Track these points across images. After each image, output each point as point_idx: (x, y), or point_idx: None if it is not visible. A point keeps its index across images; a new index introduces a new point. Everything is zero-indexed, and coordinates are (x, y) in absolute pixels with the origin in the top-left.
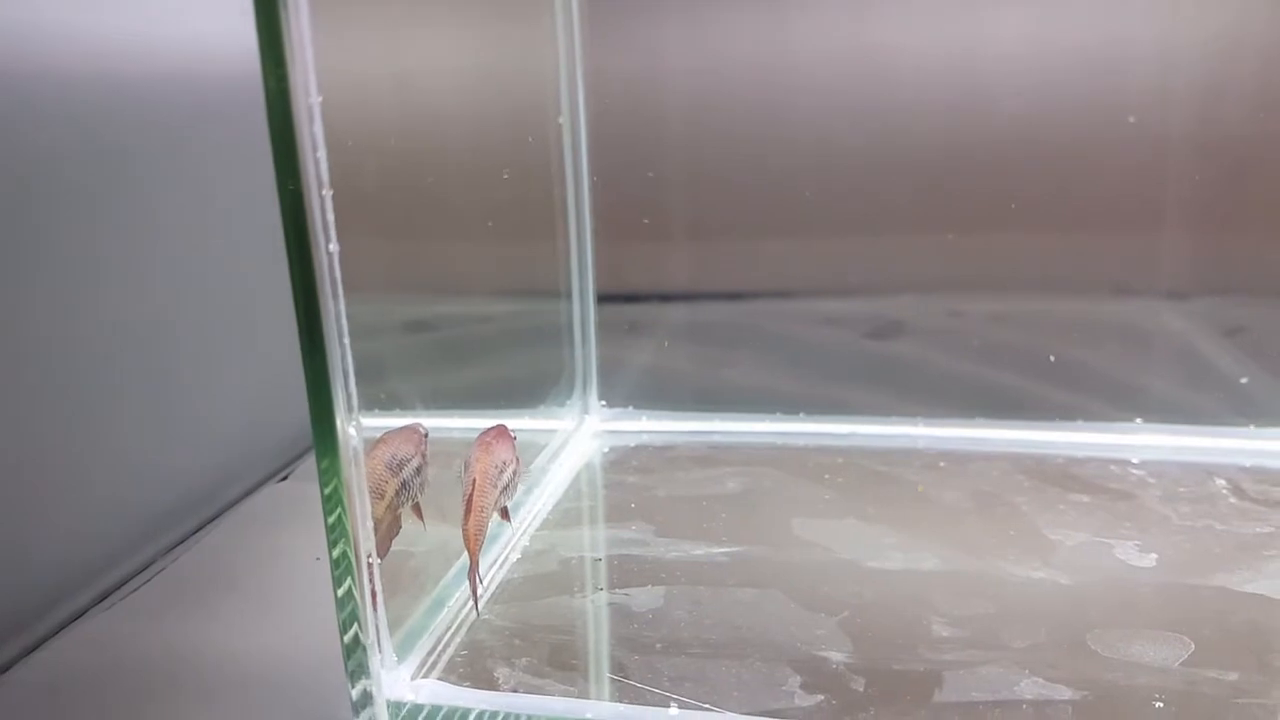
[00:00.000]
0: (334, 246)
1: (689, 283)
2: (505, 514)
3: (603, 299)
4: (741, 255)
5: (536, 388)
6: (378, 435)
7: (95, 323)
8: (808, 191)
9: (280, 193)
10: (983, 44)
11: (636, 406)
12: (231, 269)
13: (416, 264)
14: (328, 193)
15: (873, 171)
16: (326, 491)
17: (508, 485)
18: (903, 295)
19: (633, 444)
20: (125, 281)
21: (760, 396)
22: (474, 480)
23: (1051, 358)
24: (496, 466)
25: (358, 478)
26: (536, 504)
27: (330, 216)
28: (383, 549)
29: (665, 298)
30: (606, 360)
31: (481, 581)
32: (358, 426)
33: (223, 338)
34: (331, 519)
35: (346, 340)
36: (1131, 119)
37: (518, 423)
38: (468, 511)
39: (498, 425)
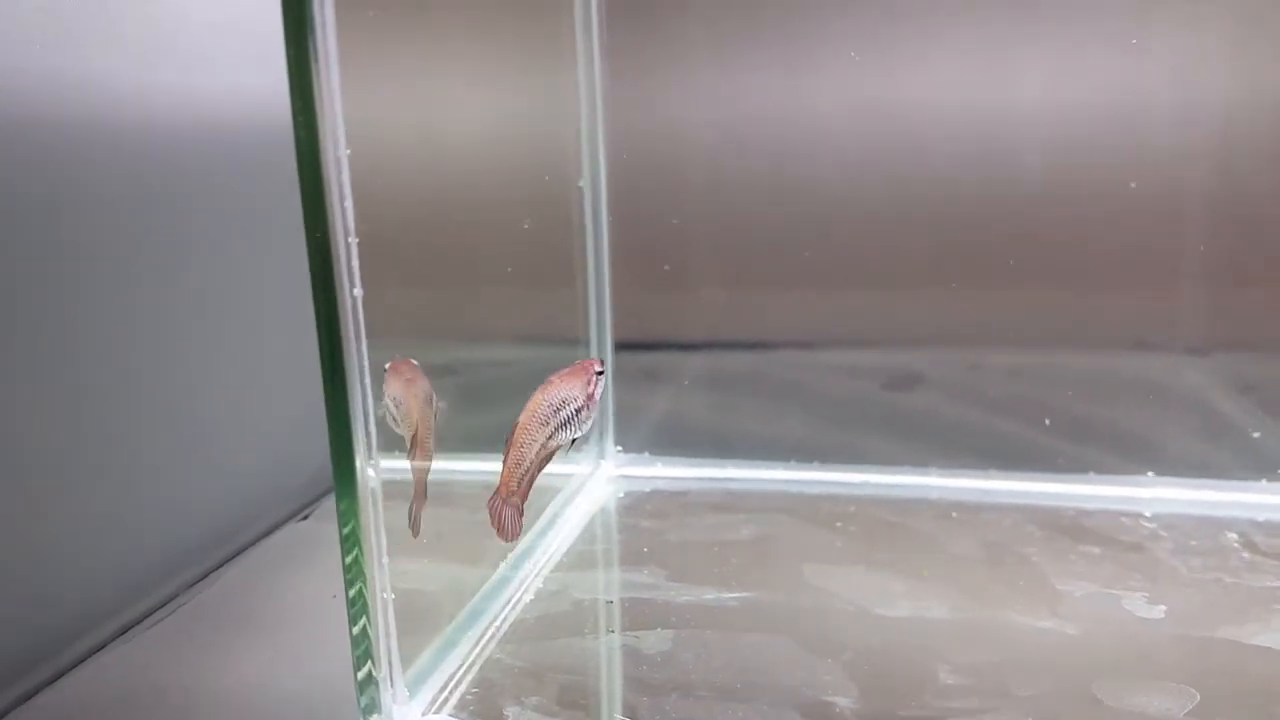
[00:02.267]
0: (358, 291)
1: (707, 332)
2: (549, 456)
3: (621, 346)
4: (761, 305)
5: None
6: (395, 480)
7: (123, 361)
8: (828, 243)
9: (308, 239)
10: (1003, 99)
11: (653, 453)
12: (257, 309)
13: (438, 310)
14: (353, 240)
15: (893, 224)
16: (345, 532)
17: (567, 422)
18: (922, 348)
19: (648, 489)
20: (156, 321)
21: (776, 445)
22: (520, 421)
23: (1047, 421)
24: (551, 405)
25: (375, 519)
26: (551, 546)
27: (355, 263)
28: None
29: (683, 346)
30: (624, 407)
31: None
32: (376, 468)
33: (247, 377)
34: (349, 559)
35: (368, 382)
36: (1133, 184)
37: None
38: (509, 446)
39: (580, 362)
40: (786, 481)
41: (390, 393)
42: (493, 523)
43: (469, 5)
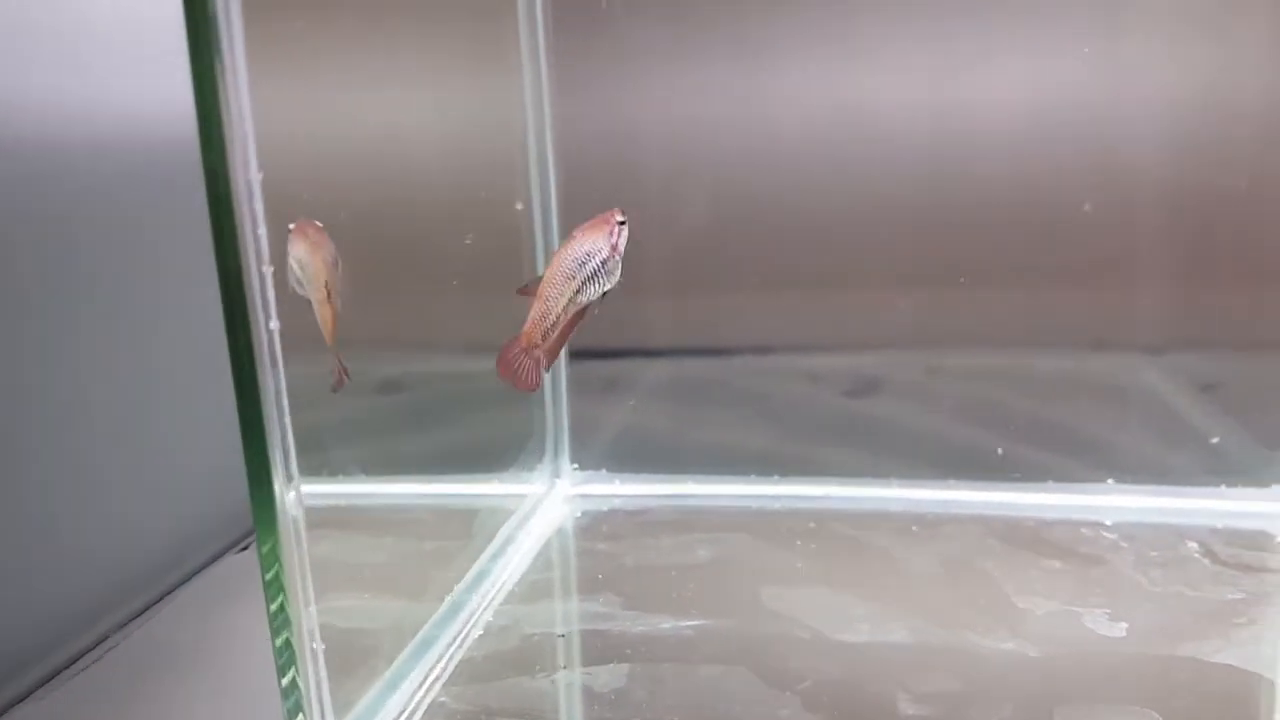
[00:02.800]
0: (274, 324)
1: (664, 339)
2: (581, 313)
3: (576, 355)
4: (719, 311)
5: (505, 451)
6: (322, 513)
7: (41, 394)
8: (785, 248)
9: (219, 269)
10: (961, 103)
11: (610, 469)
12: (185, 336)
13: (375, 324)
14: (268, 269)
15: (851, 228)
16: (268, 578)
17: (594, 275)
18: (882, 351)
19: (605, 508)
20: (76, 351)
21: (736, 457)
22: (546, 275)
23: (1007, 427)
24: (576, 259)
25: (301, 561)
26: (503, 575)
27: (271, 294)
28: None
29: (640, 353)
30: (580, 421)
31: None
32: (299, 503)
33: (177, 406)
34: (274, 606)
35: (288, 420)
36: (1091, 187)
37: (485, 488)
38: (534, 300)
39: (600, 215)
40: (746, 497)
41: (294, 254)
42: (504, 373)
43: (402, 11)
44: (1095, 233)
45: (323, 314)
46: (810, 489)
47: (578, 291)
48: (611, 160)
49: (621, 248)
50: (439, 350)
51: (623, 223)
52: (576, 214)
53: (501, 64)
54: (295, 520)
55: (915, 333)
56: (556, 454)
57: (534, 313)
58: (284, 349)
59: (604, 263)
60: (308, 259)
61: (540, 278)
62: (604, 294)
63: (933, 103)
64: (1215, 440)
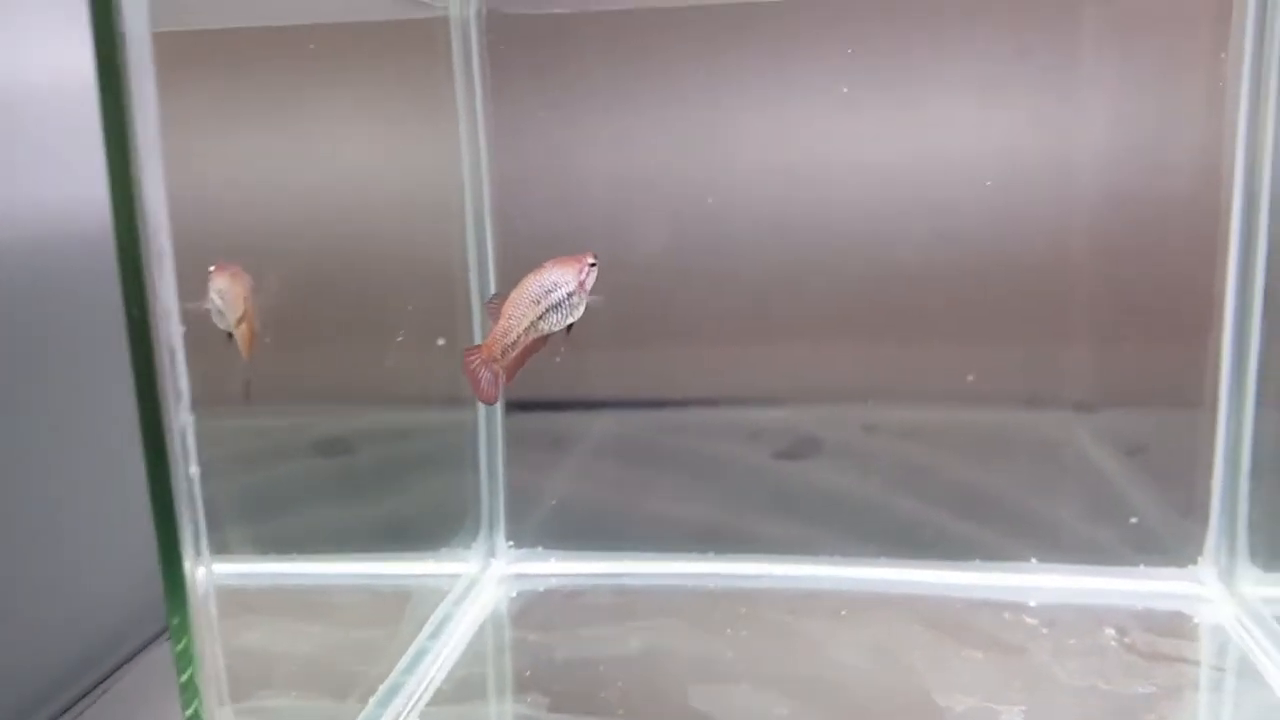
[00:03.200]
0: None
1: (602, 390)
2: (542, 341)
3: (514, 407)
4: (661, 364)
5: (440, 526)
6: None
7: None
8: (727, 300)
9: (131, 351)
10: (900, 162)
11: (546, 546)
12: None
13: (301, 386)
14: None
15: (792, 281)
16: (179, 648)
17: (558, 305)
18: (821, 406)
19: (541, 589)
20: None
21: (674, 530)
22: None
23: (930, 528)
24: (543, 286)
25: (209, 634)
26: (432, 669)
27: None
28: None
29: (581, 405)
30: (516, 486)
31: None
32: (209, 575)
33: (97, 497)
34: (184, 678)
35: (200, 505)
36: (1026, 259)
37: (420, 567)
38: (497, 316)
39: (574, 255)
40: (683, 575)
41: (215, 286)
42: (469, 378)
43: (325, 60)
44: (1030, 289)
45: (242, 333)
46: (745, 567)
47: (540, 318)
48: (551, 213)
49: (589, 286)
50: (372, 412)
51: (594, 264)
52: (514, 269)
53: (436, 116)
54: (208, 606)
55: (855, 388)
56: (492, 529)
57: (496, 329)
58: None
59: (569, 295)
60: (228, 287)
61: (506, 297)
62: (568, 328)
63: (875, 160)
64: (1133, 521)
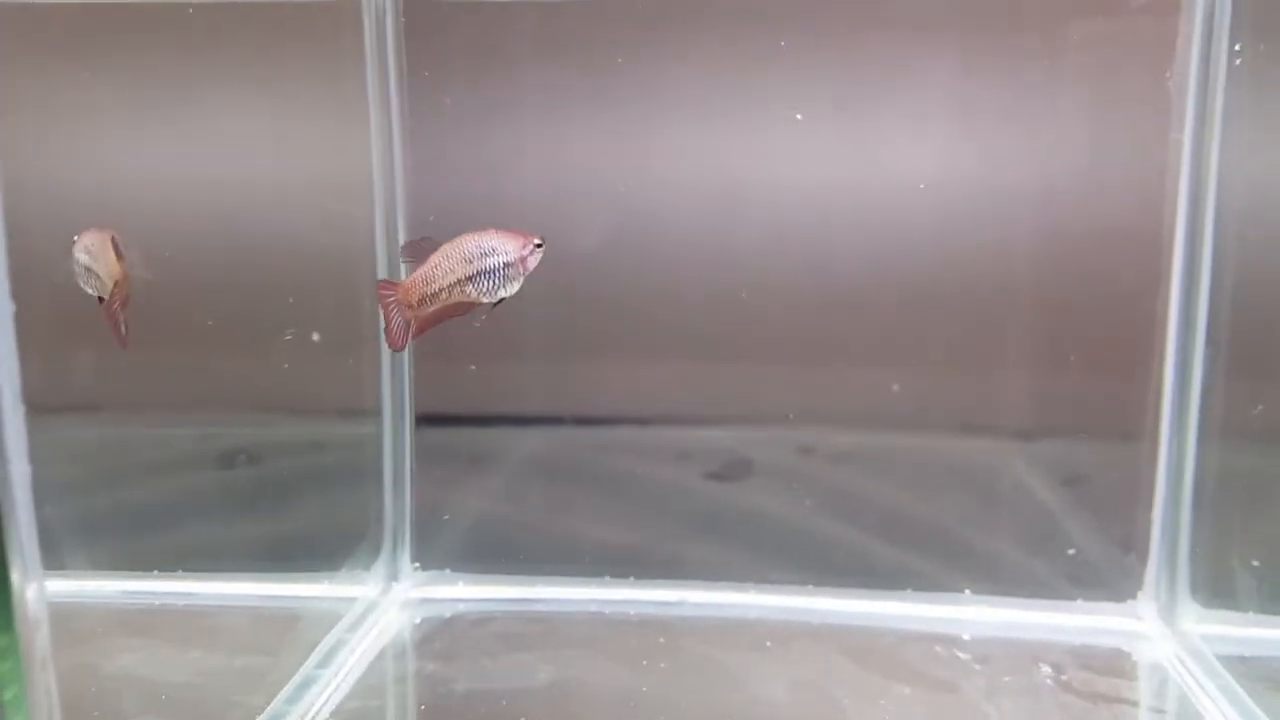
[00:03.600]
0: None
1: (520, 405)
2: (466, 308)
3: (424, 420)
4: (588, 378)
5: (337, 545)
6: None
7: None
8: (662, 316)
9: None
10: (843, 182)
11: (455, 569)
12: None
13: (183, 389)
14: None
15: (733, 299)
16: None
17: (490, 271)
18: (756, 427)
19: (448, 614)
20: None
21: (594, 554)
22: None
23: (862, 552)
24: (479, 247)
25: (40, 662)
26: (318, 700)
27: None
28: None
29: (493, 420)
30: (424, 508)
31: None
32: (41, 592)
33: None
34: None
35: (28, 512)
36: (963, 284)
37: (310, 589)
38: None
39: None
40: (599, 602)
41: (82, 244)
42: (382, 315)
43: (214, 40)
44: (972, 315)
45: (115, 295)
46: (666, 593)
47: (469, 279)
48: (471, 214)
49: (529, 266)
50: (263, 420)
51: (540, 245)
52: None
53: (344, 106)
54: (40, 627)
55: (791, 409)
56: (395, 550)
57: (418, 274)
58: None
59: (506, 265)
60: (96, 243)
61: (433, 243)
62: (495, 303)
63: (809, 180)
64: (1072, 552)
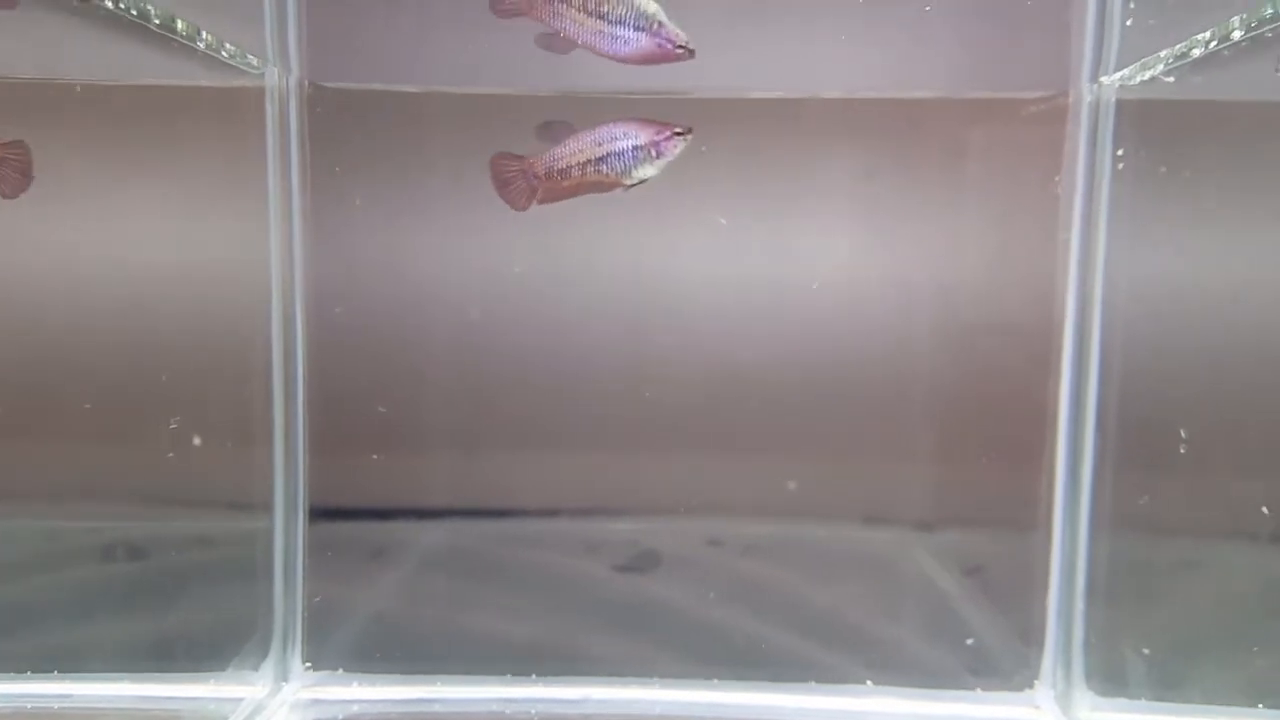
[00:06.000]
0: None
1: (419, 497)
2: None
3: (319, 514)
4: (494, 469)
5: (223, 643)
6: None
7: None
8: (576, 406)
9: None
10: (742, 280)
11: (348, 669)
12: None
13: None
14: None
15: (643, 389)
16: None
17: (621, 154)
18: (667, 518)
19: (340, 716)
20: None
21: (496, 652)
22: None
23: (765, 645)
24: (611, 132)
25: None
26: None
27: None
28: None
29: (389, 514)
30: (317, 605)
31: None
32: None
33: None
34: None
35: None
36: (865, 376)
37: (192, 689)
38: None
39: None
40: (501, 701)
41: None
42: (499, 187)
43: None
44: (874, 408)
45: None
46: (569, 691)
47: (600, 159)
48: (378, 303)
49: (663, 151)
50: (143, 513)
51: (680, 133)
52: (334, 356)
53: (242, 193)
54: None
55: (700, 501)
56: (286, 649)
57: (550, 151)
58: None
59: (634, 148)
60: None
61: (570, 127)
62: (631, 184)
63: (720, 278)
64: (970, 642)
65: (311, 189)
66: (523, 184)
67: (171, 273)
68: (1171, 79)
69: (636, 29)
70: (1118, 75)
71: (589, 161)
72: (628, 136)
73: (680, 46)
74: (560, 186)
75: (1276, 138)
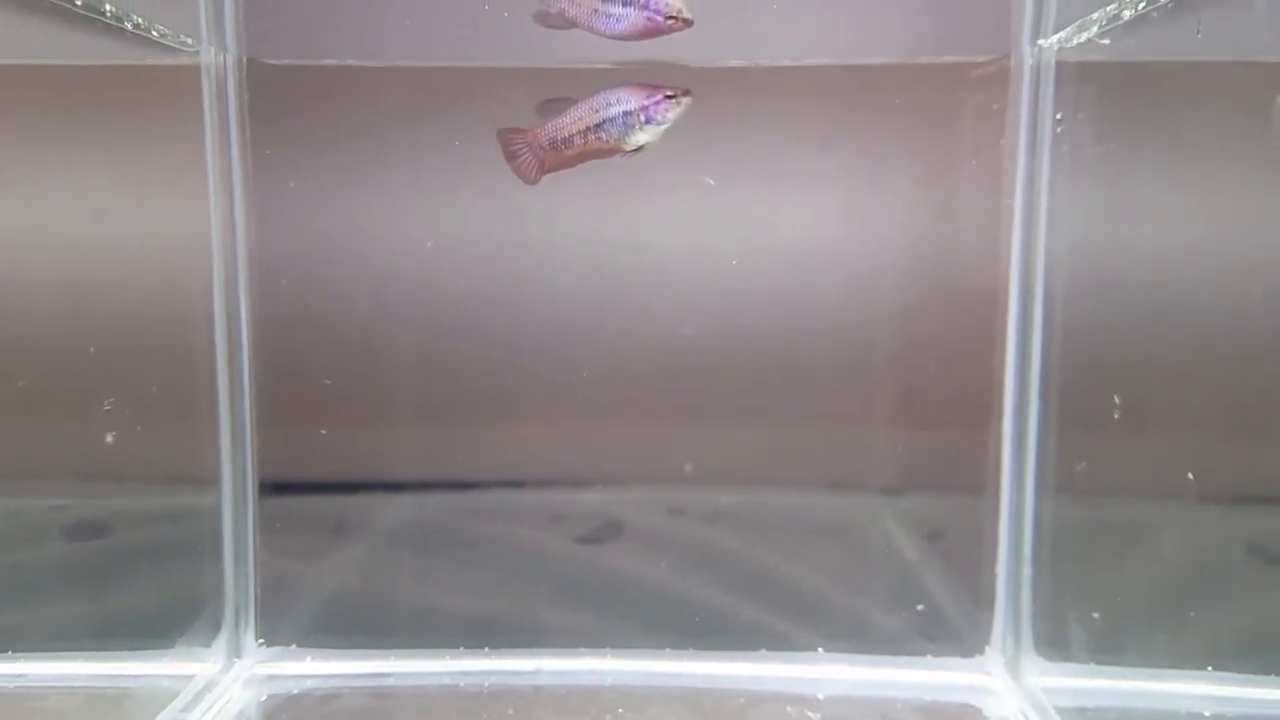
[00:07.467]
0: None
1: (405, 471)
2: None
3: (269, 488)
4: (454, 441)
5: (172, 620)
6: None
7: None
8: (541, 377)
9: None
10: (704, 248)
11: (302, 645)
12: None
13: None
14: None
15: (607, 358)
16: None
17: (615, 120)
18: (629, 488)
19: (295, 691)
20: None
21: (452, 625)
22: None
23: (718, 614)
24: (605, 99)
25: None
26: None
27: None
28: None
29: (343, 488)
30: (270, 579)
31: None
32: None
33: None
34: None
35: None
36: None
37: (142, 667)
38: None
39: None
40: (454, 674)
41: None
42: (508, 160)
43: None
44: (835, 375)
45: None
46: (522, 663)
47: (597, 126)
48: (325, 280)
49: (655, 116)
50: (89, 491)
51: (672, 97)
52: (277, 332)
53: (181, 171)
54: None
55: (663, 470)
56: (238, 625)
57: (550, 122)
58: None
59: (626, 114)
60: None
61: (570, 100)
62: (631, 150)
63: (683, 247)
64: (921, 608)
65: (254, 165)
66: (530, 156)
67: (108, 252)
68: (1107, 41)
69: (625, 4)
70: (1055, 38)
71: (588, 129)
72: (621, 102)
73: (671, 17)
74: (564, 155)
75: (1204, 99)
